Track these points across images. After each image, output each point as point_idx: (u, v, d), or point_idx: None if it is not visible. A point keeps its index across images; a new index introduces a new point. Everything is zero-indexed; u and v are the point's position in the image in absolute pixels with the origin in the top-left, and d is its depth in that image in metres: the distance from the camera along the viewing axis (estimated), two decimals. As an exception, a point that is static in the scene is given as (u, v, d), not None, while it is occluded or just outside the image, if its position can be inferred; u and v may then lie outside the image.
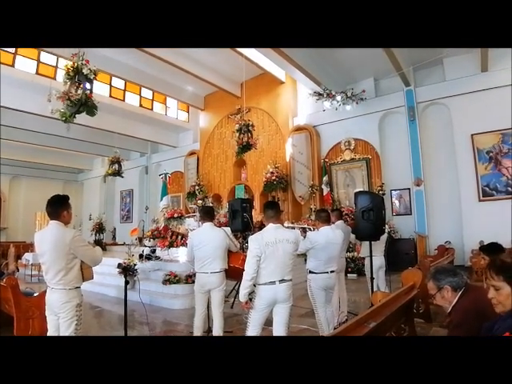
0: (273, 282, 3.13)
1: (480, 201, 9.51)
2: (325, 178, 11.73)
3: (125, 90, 13.99)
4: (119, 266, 5.38)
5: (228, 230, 5.13)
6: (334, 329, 3.84)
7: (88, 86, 5.78)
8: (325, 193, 11.64)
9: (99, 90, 12.18)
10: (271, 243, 3.12)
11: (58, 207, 3.00)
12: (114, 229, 18.35)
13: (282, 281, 3.15)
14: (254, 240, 3.16)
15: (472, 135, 9.66)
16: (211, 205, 10.71)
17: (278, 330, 3.23)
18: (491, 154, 9.46)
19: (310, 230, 5.05)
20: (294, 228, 7.71)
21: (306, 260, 4.19)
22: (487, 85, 9.46)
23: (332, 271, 4.03)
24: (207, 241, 4.02)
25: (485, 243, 4.47)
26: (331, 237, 4.05)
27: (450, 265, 5.44)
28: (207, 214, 4.34)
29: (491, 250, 3.51)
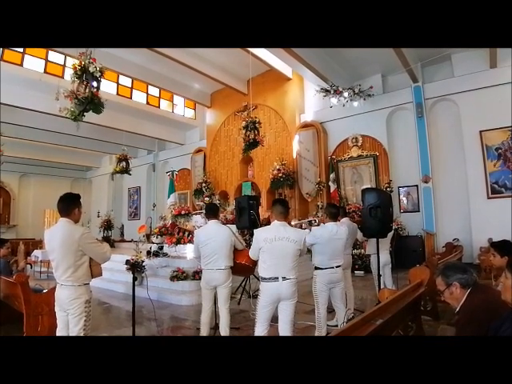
0: (276, 279, 3.18)
1: (489, 198, 9.38)
2: (332, 175, 11.66)
3: (132, 88, 14.04)
4: (127, 262, 5.44)
5: (234, 227, 5.14)
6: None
7: (95, 84, 5.80)
8: (332, 190, 11.59)
9: (106, 88, 12.26)
10: (269, 240, 3.23)
11: (70, 205, 3.04)
12: (122, 226, 18.47)
13: (285, 278, 3.19)
14: (254, 234, 3.44)
15: (481, 132, 9.54)
16: (218, 202, 10.75)
17: (283, 327, 3.27)
18: (500, 150, 9.33)
19: (315, 222, 5.03)
20: (301, 224, 7.70)
21: (311, 256, 4.21)
22: (496, 81, 9.32)
23: (337, 266, 4.06)
24: (213, 238, 4.05)
25: (493, 241, 4.40)
26: (335, 232, 4.10)
27: (459, 262, 5.40)
28: (212, 212, 4.37)
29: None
